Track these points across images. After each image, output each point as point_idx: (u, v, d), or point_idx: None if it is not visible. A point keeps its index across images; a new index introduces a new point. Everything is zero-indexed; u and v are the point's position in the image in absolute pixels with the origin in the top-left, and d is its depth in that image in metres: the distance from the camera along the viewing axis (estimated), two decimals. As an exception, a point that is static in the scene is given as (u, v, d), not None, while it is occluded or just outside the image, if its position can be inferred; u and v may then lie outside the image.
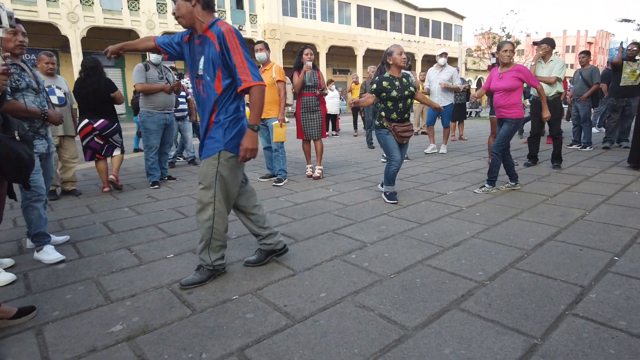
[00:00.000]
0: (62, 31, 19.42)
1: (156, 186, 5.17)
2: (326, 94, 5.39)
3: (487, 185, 4.36)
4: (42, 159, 3.00)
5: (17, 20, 2.87)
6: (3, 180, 1.94)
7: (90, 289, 2.39)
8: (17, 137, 1.90)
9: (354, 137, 10.95)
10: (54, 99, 4.38)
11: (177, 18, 2.23)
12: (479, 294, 2.14)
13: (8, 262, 2.80)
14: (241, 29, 24.93)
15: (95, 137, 4.79)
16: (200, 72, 2.23)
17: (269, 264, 2.64)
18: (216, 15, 2.28)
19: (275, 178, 5.27)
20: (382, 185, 4.33)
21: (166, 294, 2.30)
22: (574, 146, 7.54)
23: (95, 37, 20.45)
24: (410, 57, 34.81)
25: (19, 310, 2.07)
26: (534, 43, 5.97)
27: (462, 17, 38.99)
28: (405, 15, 34.42)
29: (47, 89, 4.24)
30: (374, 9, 32.14)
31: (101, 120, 4.75)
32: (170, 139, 5.46)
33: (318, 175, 5.35)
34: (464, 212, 3.66)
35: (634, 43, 7.00)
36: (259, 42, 5.13)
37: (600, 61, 61.32)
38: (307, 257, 2.74)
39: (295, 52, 27.86)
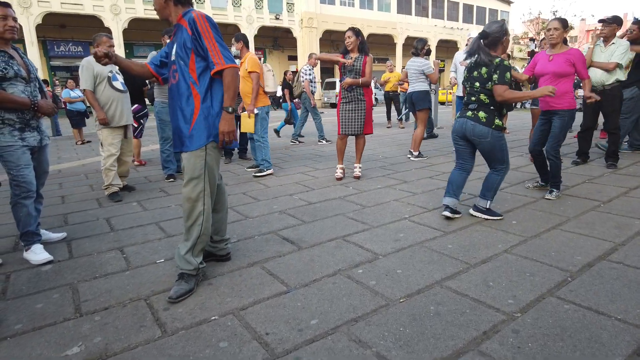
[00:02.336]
0: (105, 23, 19.93)
1: (171, 179, 4.98)
2: (364, 84, 4.51)
3: (555, 191, 3.69)
4: (33, 153, 2.82)
5: (6, 4, 2.70)
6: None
7: (64, 298, 2.17)
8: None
9: (387, 128, 10.42)
10: (118, 85, 4.22)
11: (157, 12, 2.28)
12: (506, 331, 1.72)
13: (-6, 261, 2.65)
14: (278, 18, 24.73)
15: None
16: (173, 58, 2.15)
17: (261, 277, 2.32)
18: (193, 7, 2.25)
19: (257, 168, 5.24)
20: (447, 197, 3.24)
21: (141, 308, 2.03)
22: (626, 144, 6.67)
23: (136, 29, 20.94)
24: (453, 44, 33.43)
25: (-23, 323, 1.87)
26: (600, 21, 5.17)
27: (509, 2, 36.79)
28: (448, 1, 32.89)
29: (110, 74, 4.14)
30: (417, -6, 30.91)
31: (136, 105, 5.62)
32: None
33: (358, 174, 4.74)
34: (498, 221, 3.17)
35: (636, 23, 5.47)
36: (236, 35, 5.19)
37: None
38: (306, 269, 2.39)
39: (333, 40, 27.43)
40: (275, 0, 24.78)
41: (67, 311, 2.04)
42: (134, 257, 2.69)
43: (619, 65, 4.85)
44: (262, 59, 26.90)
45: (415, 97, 5.89)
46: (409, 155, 6.00)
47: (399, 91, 10.51)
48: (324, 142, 8.08)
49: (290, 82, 8.82)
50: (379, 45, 30.03)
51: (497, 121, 3.01)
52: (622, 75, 4.97)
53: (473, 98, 3.09)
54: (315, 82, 8.33)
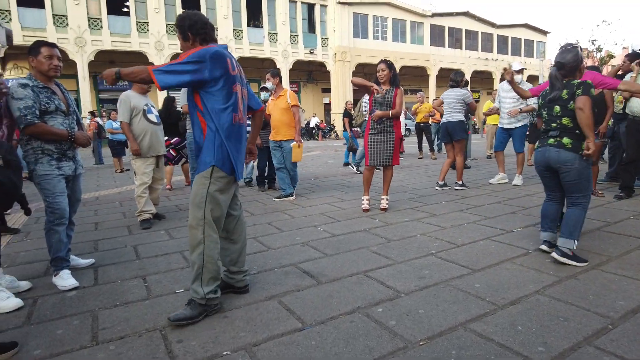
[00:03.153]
0: (150, 58, 21.17)
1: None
2: (394, 115, 4.51)
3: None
4: (68, 182, 2.95)
5: (53, 45, 2.91)
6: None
7: (83, 325, 2.19)
8: (0, 162, 1.76)
9: (418, 159, 10.29)
10: (152, 117, 4.45)
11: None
12: (536, 383, 1.57)
13: (25, 285, 2.74)
14: (312, 52, 25.46)
15: (170, 150, 6.38)
16: None
17: (278, 311, 2.26)
18: (215, 43, 2.35)
19: (284, 194, 5.53)
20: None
21: (155, 339, 2.02)
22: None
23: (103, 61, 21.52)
24: (488, 75, 33.12)
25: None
26: (629, 56, 5.05)
27: (545, 33, 36.31)
28: (482, 32, 32.88)
29: (145, 108, 4.38)
30: (448, 27, 31.11)
31: (176, 138, 6.44)
32: None
33: (385, 206, 4.64)
34: (530, 257, 2.99)
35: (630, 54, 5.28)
36: (268, 71, 5.51)
37: None
38: (324, 305, 2.32)
39: (365, 73, 27.84)
40: (310, 35, 25.62)
41: (84, 339, 2.05)
42: (155, 286, 2.71)
43: (663, 96, 4.61)
44: (297, 92, 27.64)
45: (452, 127, 5.84)
46: (437, 187, 5.89)
47: (430, 122, 10.45)
48: (355, 169, 8.17)
49: (350, 111, 9.09)
50: (412, 77, 30.20)
51: (584, 146, 2.77)
52: (667, 106, 4.72)
53: (554, 124, 2.89)
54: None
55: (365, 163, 4.70)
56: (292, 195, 5.54)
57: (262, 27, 24.09)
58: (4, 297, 2.45)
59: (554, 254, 2.84)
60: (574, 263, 2.76)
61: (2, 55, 3.05)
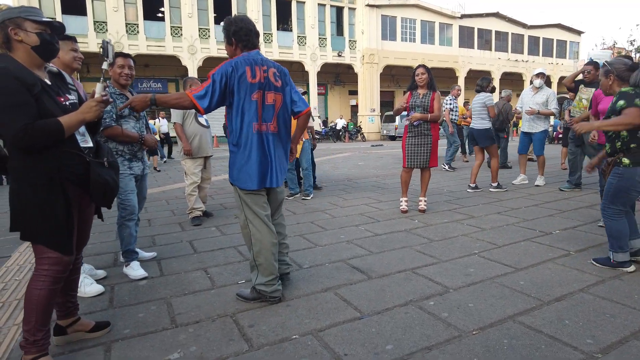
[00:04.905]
0: (183, 62, 21.87)
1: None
2: (432, 119, 4.65)
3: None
4: (137, 180, 3.24)
5: (127, 55, 3.21)
6: (91, 203, 2.07)
7: (160, 310, 2.45)
8: (106, 164, 2.02)
9: (464, 162, 10.30)
10: (202, 121, 4.76)
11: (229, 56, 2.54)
12: (587, 370, 1.71)
13: (101, 273, 3.04)
14: (340, 55, 25.66)
15: None
16: None
17: (335, 302, 2.46)
18: (255, 49, 2.50)
19: (302, 193, 5.98)
20: None
21: (228, 324, 2.25)
22: None
23: (210, 66, 22.68)
24: (518, 77, 32.49)
25: (96, 325, 2.18)
26: None
27: (579, 33, 35.26)
28: (512, 34, 32.26)
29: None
30: (477, 29, 30.69)
31: None
32: None
33: (424, 207, 4.79)
34: (572, 258, 3.08)
35: (591, 63, 5.31)
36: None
37: None
38: (378, 298, 2.50)
39: (393, 75, 27.86)
40: (338, 38, 25.83)
41: (164, 322, 2.30)
42: (217, 277, 2.95)
43: None
44: (324, 94, 27.90)
45: (477, 134, 6.05)
46: (468, 190, 6.01)
47: (462, 125, 10.43)
48: (447, 168, 8.60)
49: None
50: (440, 79, 29.90)
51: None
52: None
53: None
54: (456, 111, 9.14)
55: (402, 165, 4.86)
56: (297, 194, 6.02)
57: (291, 30, 24.48)
58: (88, 283, 2.74)
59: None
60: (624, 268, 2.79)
61: (107, 68, 3.38)
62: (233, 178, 2.46)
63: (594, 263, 2.93)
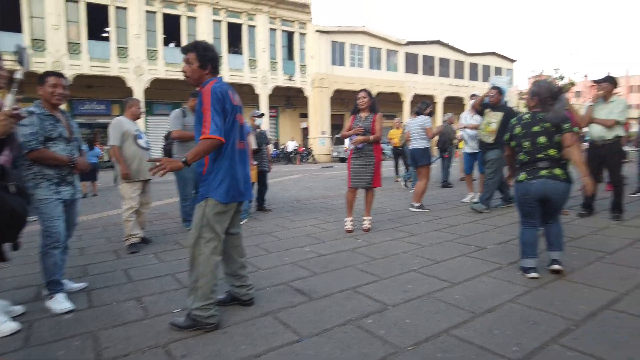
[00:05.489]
0: (128, 83, 21.19)
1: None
2: (374, 140, 4.78)
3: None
4: (66, 206, 3.04)
5: (60, 74, 3.04)
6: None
7: (85, 345, 2.27)
8: (13, 189, 1.87)
9: (395, 182, 10.63)
10: (142, 143, 4.55)
11: (186, 77, 2.53)
12: (512, 378, 1.77)
13: (19, 309, 2.77)
14: (291, 79, 26.03)
15: None
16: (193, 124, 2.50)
17: (274, 326, 2.41)
18: (218, 75, 2.55)
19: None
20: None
21: (160, 355, 2.13)
22: (638, 194, 6.74)
23: (157, 88, 22.17)
24: (459, 101, 34.47)
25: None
26: (595, 81, 5.51)
27: (512, 61, 38.26)
28: (453, 60, 34.37)
29: (136, 133, 4.49)
30: (422, 55, 32.42)
31: None
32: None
33: (368, 227, 4.88)
34: (504, 271, 3.24)
35: (495, 88, 5.87)
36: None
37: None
38: (318, 319, 2.48)
39: (343, 99, 28.56)
40: (289, 62, 26.24)
41: (88, 358, 2.14)
42: (151, 307, 2.80)
43: (617, 122, 5.05)
44: (276, 117, 28.03)
45: (417, 153, 6.32)
46: (410, 208, 6.19)
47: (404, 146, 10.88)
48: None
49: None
50: (387, 103, 31.09)
51: (571, 174, 3.03)
52: (621, 132, 5.15)
53: (540, 155, 3.01)
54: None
55: (348, 185, 4.94)
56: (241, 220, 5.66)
57: (242, 53, 24.57)
58: (2, 321, 2.50)
59: (555, 267, 3.07)
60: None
61: (21, 77, 3.08)
62: (212, 191, 2.41)
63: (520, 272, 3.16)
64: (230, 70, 23.68)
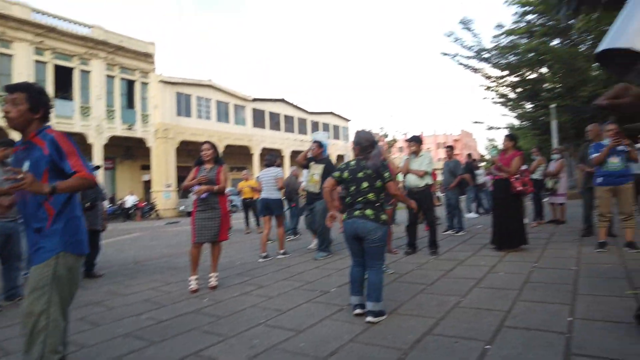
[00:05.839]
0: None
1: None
2: (218, 190, 4.67)
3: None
4: None
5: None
6: None
7: None
8: None
9: (246, 234, 10.57)
10: None
11: (9, 119, 2.19)
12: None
13: None
14: (131, 128, 24.25)
15: None
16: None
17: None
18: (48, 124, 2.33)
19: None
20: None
21: None
22: (448, 232, 8.11)
23: None
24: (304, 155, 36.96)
25: None
26: (406, 140, 6.61)
27: (347, 120, 43.34)
28: (297, 117, 37.14)
29: None
30: (269, 112, 34.20)
31: None
32: (16, 250, 4.54)
33: (214, 284, 4.61)
34: (344, 312, 3.43)
35: (315, 142, 6.41)
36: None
37: (463, 155, 71.13)
38: (151, 395, 2.18)
39: (190, 150, 27.75)
40: (129, 110, 24.50)
41: None
42: None
43: (426, 172, 6.09)
44: (113, 169, 25.44)
45: (272, 203, 6.52)
46: (260, 260, 6.26)
47: (254, 197, 11.00)
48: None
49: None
50: (236, 156, 31.43)
51: (382, 216, 3.29)
52: (430, 180, 6.22)
53: (360, 198, 3.29)
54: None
55: (192, 240, 4.68)
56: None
57: (72, 99, 21.99)
58: None
59: (369, 319, 3.14)
60: (384, 317, 3.19)
61: None
62: (69, 245, 2.18)
63: None
64: (58, 117, 20.84)
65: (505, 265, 4.86)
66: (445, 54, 19.98)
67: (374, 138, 3.60)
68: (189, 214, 22.89)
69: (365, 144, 3.45)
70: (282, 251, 6.50)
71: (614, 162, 5.18)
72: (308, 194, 6.52)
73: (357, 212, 3.29)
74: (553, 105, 17.08)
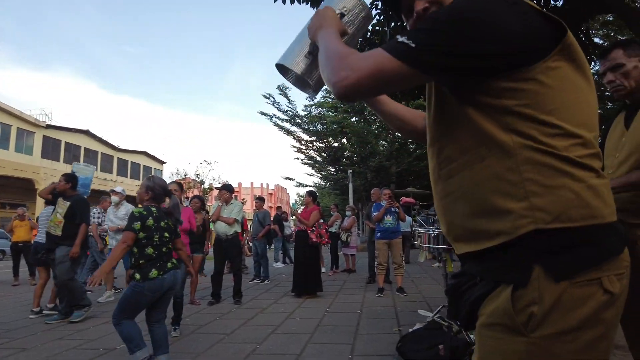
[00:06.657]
0: None
1: None
2: None
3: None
4: None
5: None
6: None
7: None
8: None
9: (13, 286, 8.54)
10: None
11: None
12: None
13: None
14: None
15: None
16: None
17: None
18: None
19: None
20: None
21: None
22: (255, 280, 8.28)
23: None
24: (107, 195, 32.96)
25: None
26: (217, 188, 6.62)
27: (162, 162, 40.91)
28: (102, 153, 33.18)
29: None
30: (65, 142, 29.57)
31: None
32: None
33: None
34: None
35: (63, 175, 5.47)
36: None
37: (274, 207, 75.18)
38: None
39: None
40: None
41: None
42: None
43: (236, 220, 6.20)
44: None
45: (41, 247, 5.39)
46: (31, 316, 5.20)
47: (32, 242, 9.12)
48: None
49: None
50: (15, 190, 25.75)
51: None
52: (239, 228, 6.34)
53: (165, 249, 3.07)
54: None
55: None
56: None
57: None
58: None
59: None
60: None
61: None
62: None
63: None
64: None
65: (302, 310, 5.21)
66: (264, 114, 21.45)
67: (167, 186, 3.41)
68: None
69: (159, 191, 3.25)
70: (36, 309, 5.35)
71: (389, 220, 6.35)
72: (48, 236, 5.12)
73: (170, 265, 3.05)
74: (350, 171, 19.99)
